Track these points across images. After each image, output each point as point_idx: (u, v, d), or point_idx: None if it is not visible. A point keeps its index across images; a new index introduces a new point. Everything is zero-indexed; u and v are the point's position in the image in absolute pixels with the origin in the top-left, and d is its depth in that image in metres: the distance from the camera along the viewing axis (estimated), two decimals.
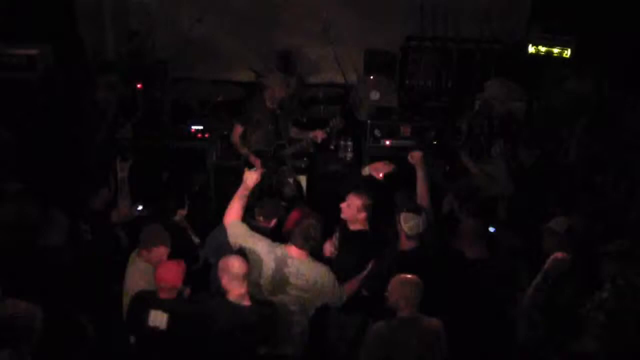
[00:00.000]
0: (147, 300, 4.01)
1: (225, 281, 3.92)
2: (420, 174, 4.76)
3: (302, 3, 7.93)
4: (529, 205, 5.67)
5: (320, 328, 4.88)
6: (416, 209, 4.37)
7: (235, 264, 3.89)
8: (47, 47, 7.17)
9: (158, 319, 3.92)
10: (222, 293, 3.96)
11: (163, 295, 3.97)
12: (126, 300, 4.26)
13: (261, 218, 4.71)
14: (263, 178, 5.87)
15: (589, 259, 4.16)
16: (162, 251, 4.33)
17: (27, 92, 6.89)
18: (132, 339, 4.13)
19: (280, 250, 4.25)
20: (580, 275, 4.11)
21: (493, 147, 5.74)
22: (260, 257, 4.24)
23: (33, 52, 7.01)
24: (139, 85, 6.34)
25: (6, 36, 7.10)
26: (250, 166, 6.01)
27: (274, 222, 4.73)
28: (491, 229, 4.93)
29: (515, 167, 6.07)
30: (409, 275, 3.91)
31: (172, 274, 3.97)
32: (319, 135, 6.00)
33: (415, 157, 4.79)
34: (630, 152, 5.87)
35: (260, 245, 4.28)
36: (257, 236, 4.37)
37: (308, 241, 4.18)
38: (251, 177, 4.50)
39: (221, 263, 3.98)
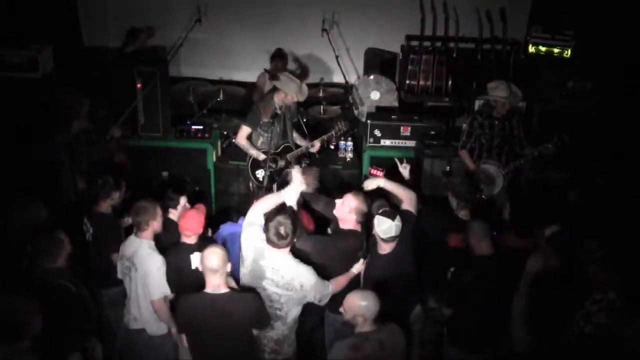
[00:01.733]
0: (181, 250, 4.56)
1: (202, 270, 4.05)
2: (385, 185, 4.84)
3: (302, 2, 7.93)
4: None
5: (313, 328, 4.91)
6: (389, 213, 4.39)
7: (209, 257, 4.00)
8: (48, 47, 7.20)
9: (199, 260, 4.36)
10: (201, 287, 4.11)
11: (190, 240, 4.60)
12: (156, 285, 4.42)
13: None
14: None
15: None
16: (160, 218, 4.61)
17: (29, 92, 6.93)
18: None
19: (261, 243, 4.29)
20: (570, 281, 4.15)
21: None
22: (243, 246, 4.34)
23: (35, 52, 7.04)
24: (138, 85, 6.33)
25: (7, 36, 7.13)
26: (257, 167, 6.04)
27: None
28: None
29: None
30: (365, 292, 3.92)
31: (196, 222, 4.61)
32: (316, 146, 6.05)
33: (372, 183, 4.87)
34: None
35: (249, 234, 4.36)
36: (257, 228, 4.42)
37: (281, 239, 4.19)
38: (291, 197, 4.63)
39: (202, 255, 4.09)
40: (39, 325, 3.51)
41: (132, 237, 4.61)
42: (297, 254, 4.36)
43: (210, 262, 3.98)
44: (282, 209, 4.48)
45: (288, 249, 4.27)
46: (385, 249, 4.45)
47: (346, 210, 4.56)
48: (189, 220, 4.63)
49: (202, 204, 5.12)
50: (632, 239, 4.71)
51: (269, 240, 4.22)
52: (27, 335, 3.48)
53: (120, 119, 6.30)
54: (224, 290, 4.03)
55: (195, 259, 4.48)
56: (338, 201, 4.67)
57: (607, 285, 3.80)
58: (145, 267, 4.43)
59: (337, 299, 4.40)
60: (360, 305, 3.83)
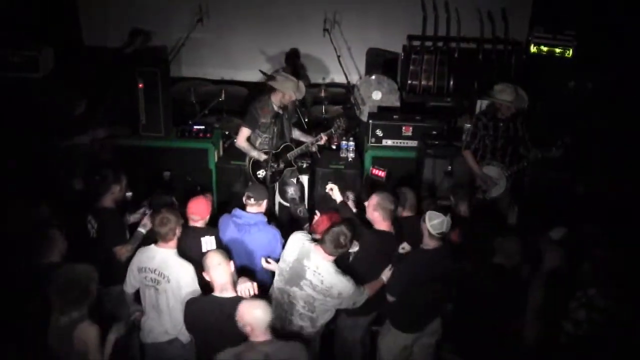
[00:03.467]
0: (190, 233, 4.65)
1: (205, 274, 4.09)
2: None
3: (304, 2, 7.92)
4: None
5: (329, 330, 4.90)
6: (441, 209, 4.42)
7: (211, 256, 4.08)
8: (48, 47, 7.19)
9: (209, 243, 4.67)
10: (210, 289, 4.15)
11: (198, 224, 4.74)
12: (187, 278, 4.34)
13: (252, 200, 4.83)
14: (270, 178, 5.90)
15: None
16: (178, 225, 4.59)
17: (29, 92, 6.91)
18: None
19: (308, 244, 4.31)
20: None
21: None
22: (290, 243, 4.39)
23: (35, 52, 7.02)
24: (139, 85, 6.31)
25: (7, 36, 7.11)
26: (258, 167, 6.01)
27: (264, 203, 4.85)
28: None
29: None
30: (257, 301, 3.81)
31: (204, 206, 4.77)
32: (323, 139, 6.01)
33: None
34: None
35: (297, 233, 4.43)
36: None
37: (337, 248, 4.19)
38: None
39: (203, 259, 4.13)
40: (94, 293, 3.82)
41: (153, 248, 4.43)
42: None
43: (213, 259, 4.04)
44: (349, 221, 4.47)
45: (334, 258, 4.26)
46: (430, 244, 4.44)
47: (371, 209, 4.61)
48: (197, 204, 4.75)
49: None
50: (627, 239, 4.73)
51: (322, 243, 4.21)
52: (90, 300, 3.79)
53: (99, 120, 6.30)
54: (231, 293, 4.03)
55: (205, 243, 4.62)
56: (367, 204, 4.71)
57: (590, 281, 3.85)
58: (180, 278, 4.29)
59: None
60: (249, 314, 3.73)
